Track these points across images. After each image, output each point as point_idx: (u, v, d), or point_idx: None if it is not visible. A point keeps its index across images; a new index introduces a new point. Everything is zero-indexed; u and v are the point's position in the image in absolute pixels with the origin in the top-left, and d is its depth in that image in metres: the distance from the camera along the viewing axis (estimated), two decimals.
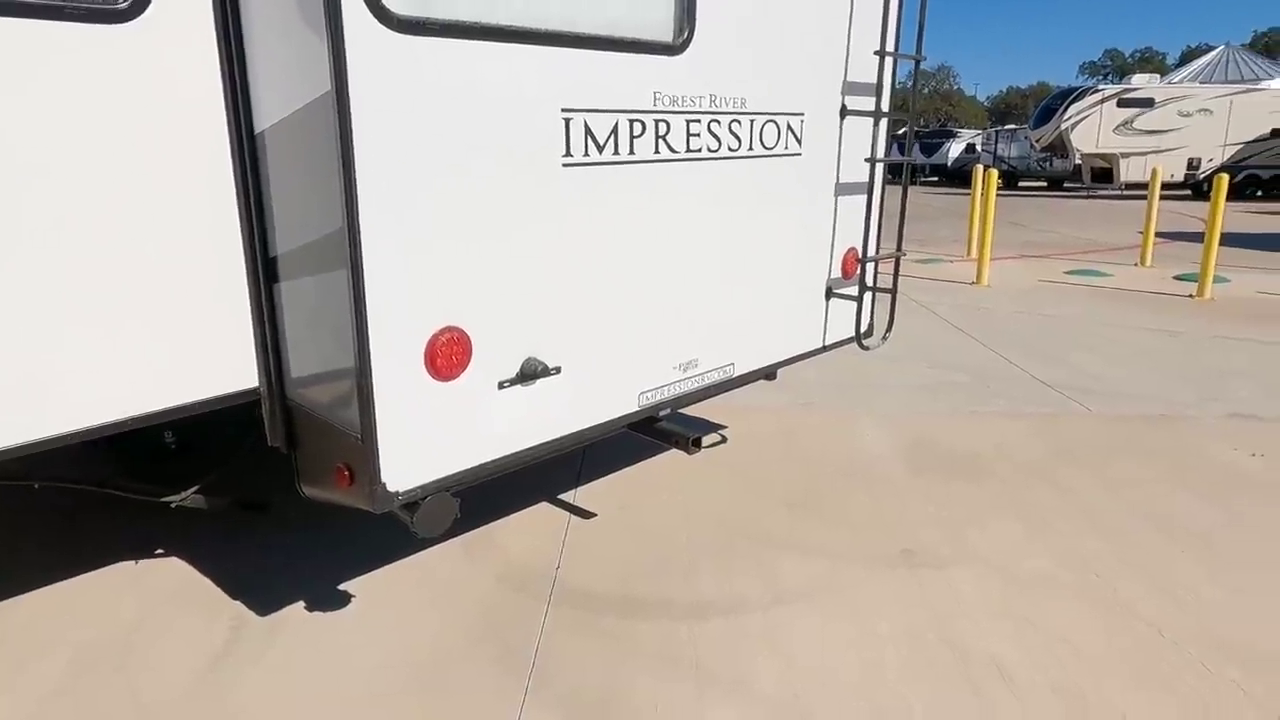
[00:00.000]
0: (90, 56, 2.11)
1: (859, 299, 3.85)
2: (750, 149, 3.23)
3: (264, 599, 3.14)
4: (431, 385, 2.41)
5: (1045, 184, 31.22)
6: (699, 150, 3.03)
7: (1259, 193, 23.81)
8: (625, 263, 2.90)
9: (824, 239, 3.76)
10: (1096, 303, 8.89)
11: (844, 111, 3.62)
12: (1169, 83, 28.80)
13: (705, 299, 3.25)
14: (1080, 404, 5.44)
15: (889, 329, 4.09)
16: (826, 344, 3.95)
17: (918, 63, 3.79)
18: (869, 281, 3.95)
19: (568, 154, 2.60)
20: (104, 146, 2.16)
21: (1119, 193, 25.36)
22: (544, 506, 3.92)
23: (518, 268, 2.57)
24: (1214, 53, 31.34)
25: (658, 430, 3.35)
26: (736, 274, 3.36)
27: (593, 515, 3.84)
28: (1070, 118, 24.84)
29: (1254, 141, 24.23)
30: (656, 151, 2.87)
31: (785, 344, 3.73)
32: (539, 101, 2.50)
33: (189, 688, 2.66)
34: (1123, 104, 24.83)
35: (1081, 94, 25.45)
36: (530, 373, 2.65)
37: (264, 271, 2.49)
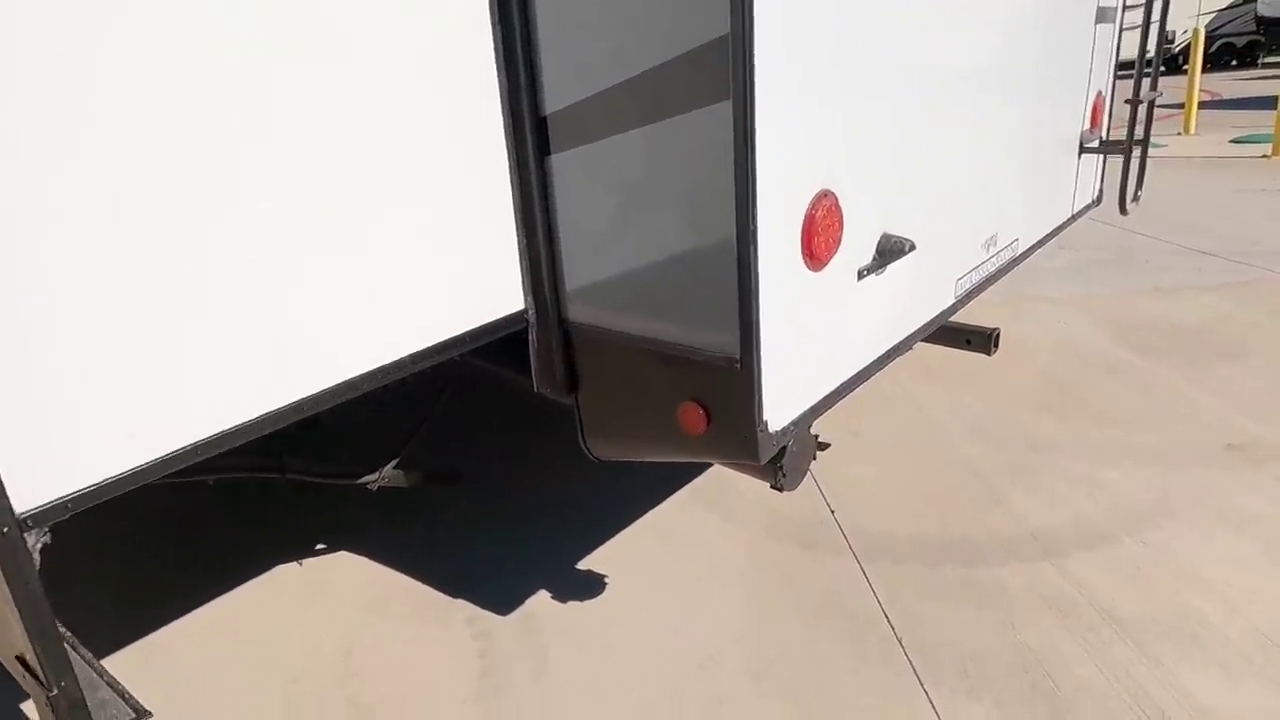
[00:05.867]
0: None
1: (1127, 152, 3.15)
2: None
3: (491, 595, 2.43)
4: (805, 277, 1.69)
5: None
6: None
7: (1234, 61, 23.43)
8: (958, 104, 2.18)
9: (1080, 81, 3.05)
10: (1174, 172, 8.31)
11: None
12: None
13: (1001, 159, 2.55)
14: (1262, 268, 4.88)
15: (1139, 189, 3.42)
16: (1075, 211, 3.28)
17: None
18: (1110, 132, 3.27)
19: None
20: None
21: None
22: None
23: (880, 105, 1.83)
24: None
25: (950, 330, 2.68)
26: (1018, 126, 2.65)
27: (826, 445, 3.17)
28: None
29: (1226, 9, 23.75)
30: None
31: (1050, 213, 3.05)
32: None
33: None
34: None
35: None
36: (888, 252, 1.93)
37: (533, 139, 1.73)
